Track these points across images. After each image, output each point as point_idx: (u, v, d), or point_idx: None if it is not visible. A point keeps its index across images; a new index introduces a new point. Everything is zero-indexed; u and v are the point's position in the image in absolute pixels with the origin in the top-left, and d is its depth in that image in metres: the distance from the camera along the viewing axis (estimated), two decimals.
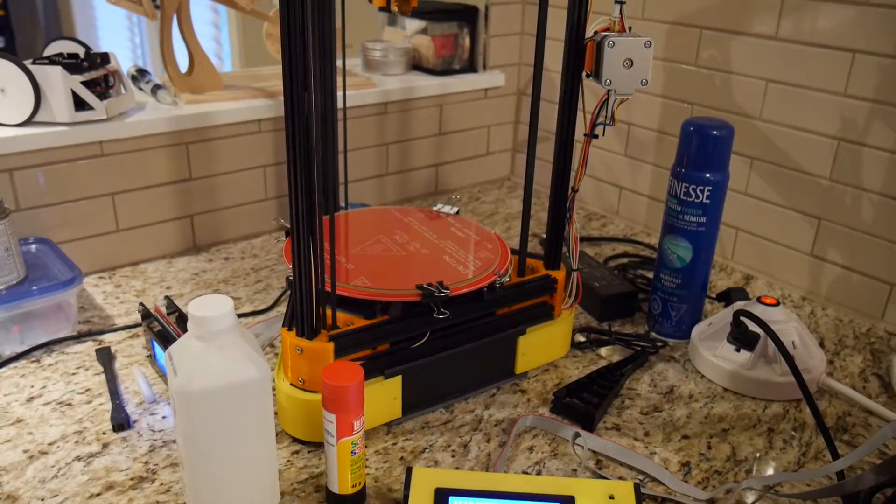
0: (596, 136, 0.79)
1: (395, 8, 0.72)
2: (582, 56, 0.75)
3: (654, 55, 1.12)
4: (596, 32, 0.75)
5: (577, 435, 0.70)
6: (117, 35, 2.33)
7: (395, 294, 0.72)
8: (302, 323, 0.68)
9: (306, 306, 0.67)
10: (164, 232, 1.06)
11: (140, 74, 1.12)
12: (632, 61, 0.72)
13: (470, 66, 1.32)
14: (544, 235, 1.14)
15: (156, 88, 1.06)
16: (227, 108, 1.05)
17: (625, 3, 0.75)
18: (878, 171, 0.92)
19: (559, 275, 0.82)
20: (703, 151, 0.83)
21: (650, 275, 1.04)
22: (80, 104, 0.94)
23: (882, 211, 0.93)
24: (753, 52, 1.01)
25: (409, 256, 0.80)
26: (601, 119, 0.77)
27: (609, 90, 0.73)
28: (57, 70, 0.91)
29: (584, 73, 0.76)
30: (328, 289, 0.69)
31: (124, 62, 1.02)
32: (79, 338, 0.86)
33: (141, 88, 1.10)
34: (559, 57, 0.74)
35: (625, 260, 1.10)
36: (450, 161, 1.34)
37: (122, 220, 1.02)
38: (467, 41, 1.31)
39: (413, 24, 1.32)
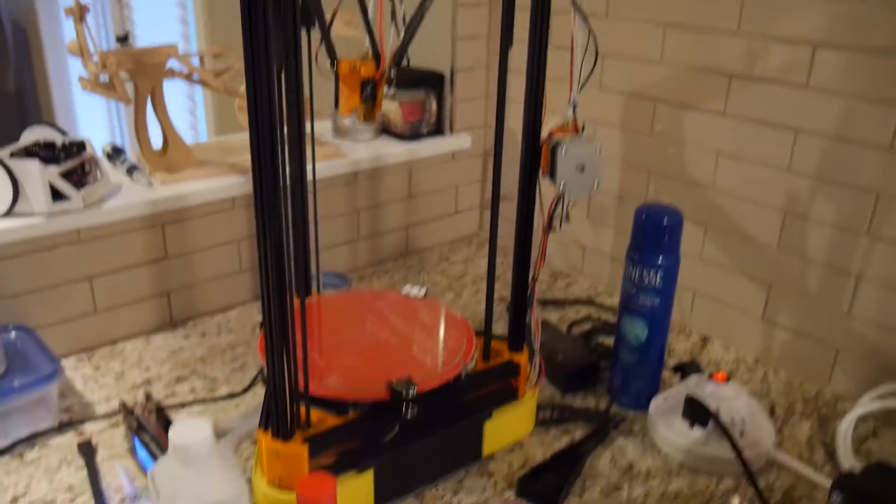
0: (553, 230, 0.83)
1: (359, 117, 0.77)
2: (538, 157, 0.80)
3: (612, 122, 1.18)
4: (551, 135, 0.80)
5: None
6: (95, 106, 2.35)
7: (365, 394, 0.75)
8: (277, 424, 0.71)
9: (280, 412, 0.70)
10: (141, 310, 1.09)
11: (115, 153, 1.15)
12: (584, 167, 0.76)
13: (437, 130, 1.36)
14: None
15: (131, 170, 1.09)
16: (201, 189, 1.09)
17: (577, 105, 0.80)
18: (821, 243, 0.98)
19: (522, 358, 0.87)
20: (654, 238, 0.88)
21: (612, 341, 1.09)
22: (57, 194, 0.97)
23: (826, 280, 0.98)
24: (704, 126, 1.07)
25: (380, 348, 0.84)
26: (557, 214, 0.82)
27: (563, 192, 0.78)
28: (35, 164, 0.94)
29: (540, 173, 0.81)
30: (302, 387, 0.72)
31: (101, 136, 1.05)
32: (60, 429, 0.88)
33: (116, 167, 1.13)
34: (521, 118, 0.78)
35: (588, 325, 1.15)
36: (420, 222, 1.38)
37: (100, 301, 1.05)
38: (434, 106, 1.35)
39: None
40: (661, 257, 0.88)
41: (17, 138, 1.02)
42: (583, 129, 0.81)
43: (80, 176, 1.01)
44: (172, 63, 1.08)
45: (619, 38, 1.14)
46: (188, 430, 0.59)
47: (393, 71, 0.72)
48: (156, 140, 1.12)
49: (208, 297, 1.15)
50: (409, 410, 0.74)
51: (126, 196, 1.05)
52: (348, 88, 0.73)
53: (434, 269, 1.33)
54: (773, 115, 0.99)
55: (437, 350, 0.84)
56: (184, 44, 2.19)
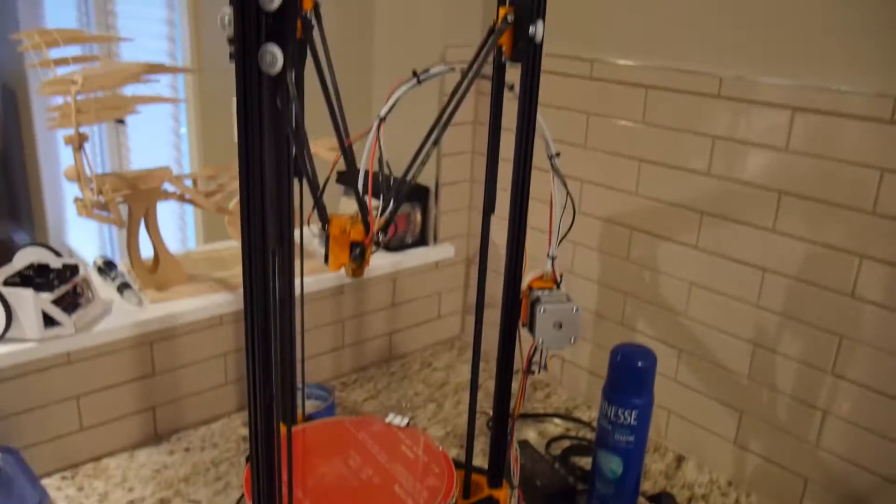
0: (532, 373, 0.87)
1: (349, 273, 0.80)
2: (519, 307, 0.84)
3: (591, 245, 1.23)
4: (531, 288, 0.84)
5: None
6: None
7: None
8: None
9: None
10: (127, 425, 1.10)
11: (107, 267, 1.18)
12: (561, 324, 0.80)
13: (421, 240, 1.41)
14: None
15: (122, 287, 1.12)
16: (190, 308, 1.11)
17: (556, 258, 0.84)
18: (789, 376, 1.02)
19: (501, 494, 0.89)
20: (629, 378, 0.91)
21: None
22: (49, 320, 0.99)
23: (795, 411, 1.02)
24: (678, 257, 1.11)
25: (362, 487, 0.86)
26: (535, 360, 0.85)
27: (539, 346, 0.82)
28: (28, 293, 0.96)
29: (520, 324, 0.84)
30: None
31: (92, 247, 1.07)
32: None
33: (108, 281, 1.15)
34: (503, 231, 0.82)
35: (567, 443, 1.17)
36: (403, 328, 1.41)
37: (86, 418, 1.06)
38: (419, 217, 1.40)
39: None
40: (636, 398, 0.91)
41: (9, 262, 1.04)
42: (561, 279, 0.85)
43: (72, 299, 1.03)
44: (165, 184, 1.12)
45: (596, 168, 1.19)
46: None
47: (381, 235, 0.75)
48: (146, 249, 1.16)
49: (194, 410, 1.17)
50: None
51: (116, 317, 1.07)
52: (338, 247, 0.77)
53: (416, 376, 1.36)
54: (742, 252, 1.04)
55: (419, 489, 0.86)
56: (177, 167, 2.27)
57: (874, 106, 0.88)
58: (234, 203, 1.21)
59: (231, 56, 0.58)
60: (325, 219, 0.77)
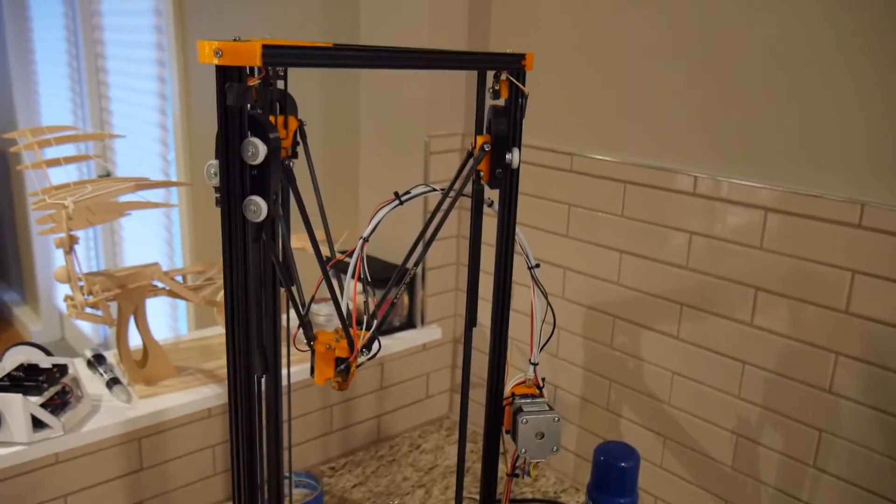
0: (517, 475, 0.88)
1: (334, 386, 0.82)
2: (502, 416, 0.85)
3: (575, 331, 1.25)
4: (514, 395, 0.85)
5: None
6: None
7: None
8: None
9: None
10: None
11: (97, 361, 1.19)
12: (543, 434, 0.82)
13: (409, 323, 1.42)
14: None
15: (112, 383, 1.13)
16: (178, 403, 1.12)
17: (538, 364, 0.86)
18: (771, 468, 1.03)
19: None
20: (613, 479, 0.93)
21: None
22: (38, 422, 1.00)
23: None
24: (660, 346, 1.13)
25: None
26: (520, 465, 0.86)
27: (522, 455, 0.83)
28: (17, 398, 0.97)
29: (503, 431, 0.86)
30: None
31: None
32: None
33: (97, 375, 1.16)
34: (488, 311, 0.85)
35: None
36: (391, 410, 1.42)
37: None
38: (406, 300, 1.41)
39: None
40: (620, 498, 0.92)
41: None
42: (543, 384, 0.87)
43: (60, 400, 1.04)
44: (155, 281, 1.14)
45: (579, 257, 1.22)
46: None
47: (364, 352, 0.77)
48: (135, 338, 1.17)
49: (182, 501, 1.17)
50: None
51: (105, 416, 1.08)
52: (323, 363, 0.79)
53: (404, 459, 1.36)
54: (721, 345, 1.06)
55: None
56: (168, 262, 2.30)
57: (843, 211, 0.91)
58: (221, 295, 1.23)
59: (217, 202, 0.61)
60: (310, 336, 0.78)
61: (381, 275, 1.40)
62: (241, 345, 0.63)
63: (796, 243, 0.96)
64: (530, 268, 0.85)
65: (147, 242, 2.60)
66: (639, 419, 1.18)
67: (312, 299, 0.79)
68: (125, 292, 1.10)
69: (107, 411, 1.09)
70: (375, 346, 0.78)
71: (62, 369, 1.05)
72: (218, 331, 1.35)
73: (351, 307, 0.76)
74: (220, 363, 1.23)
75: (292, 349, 0.82)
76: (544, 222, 1.26)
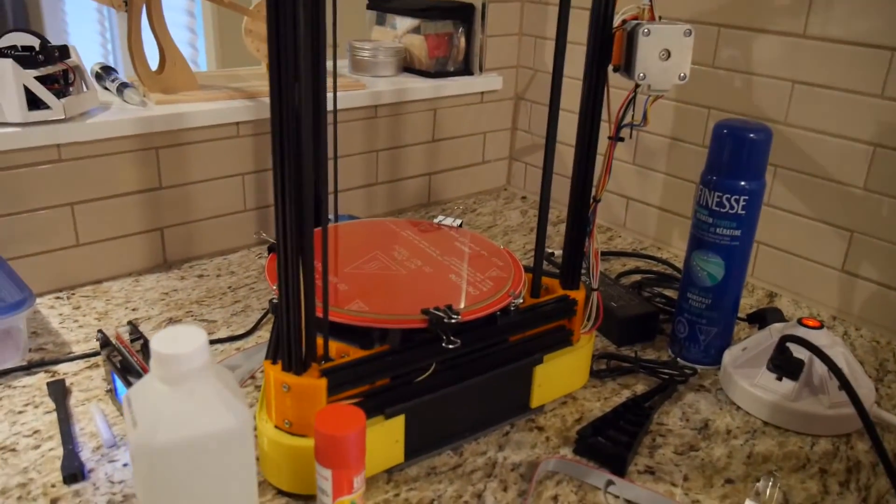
0: (622, 139, 0.70)
1: None
2: (609, 47, 0.66)
3: None
4: (625, 21, 0.66)
5: (609, 482, 0.61)
6: (88, 32, 2.21)
7: (397, 320, 0.62)
8: (289, 355, 0.58)
9: (294, 335, 0.57)
10: (131, 246, 0.95)
11: (105, 72, 1.01)
12: (669, 52, 0.63)
13: (465, 69, 1.23)
14: (551, 251, 1.06)
15: (122, 87, 0.96)
16: (201, 110, 0.95)
17: None
18: None
19: (578, 295, 0.73)
20: (738, 157, 0.74)
21: (668, 293, 0.95)
22: (34, 102, 0.84)
23: None
24: (778, 51, 0.93)
25: (411, 275, 0.71)
26: (628, 120, 0.68)
27: (641, 85, 0.65)
28: (7, 63, 0.80)
29: (610, 68, 0.67)
30: (319, 314, 0.59)
31: (93, 60, 0.91)
32: (29, 368, 0.75)
33: (106, 88, 1.00)
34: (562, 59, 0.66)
35: (638, 277, 1.01)
36: (443, 170, 1.24)
37: (83, 233, 0.91)
38: (462, 42, 1.22)
39: (404, 23, 1.23)
40: (745, 181, 0.74)
41: None
42: (659, 19, 0.68)
43: (61, 86, 0.87)
44: None
45: None
46: (177, 337, 0.45)
47: None
48: (152, 60, 0.99)
49: (208, 237, 1.01)
50: (450, 341, 0.60)
51: (115, 113, 0.91)
52: None
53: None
54: (865, 33, 0.85)
55: (479, 279, 0.70)
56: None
57: None
58: (255, 4, 1.03)
59: None
60: None
61: (444, 14, 1.20)
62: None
63: None
64: None
65: None
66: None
67: None
68: None
69: (118, 110, 0.92)
70: None
71: (62, 51, 0.88)
72: (245, 68, 1.17)
73: None
74: (250, 83, 1.05)
75: None
76: None
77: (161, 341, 0.45)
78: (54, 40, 0.88)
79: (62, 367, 0.76)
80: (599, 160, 0.69)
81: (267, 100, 1.00)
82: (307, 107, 0.52)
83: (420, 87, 1.15)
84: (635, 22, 0.65)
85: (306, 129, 0.52)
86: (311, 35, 0.62)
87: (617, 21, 0.67)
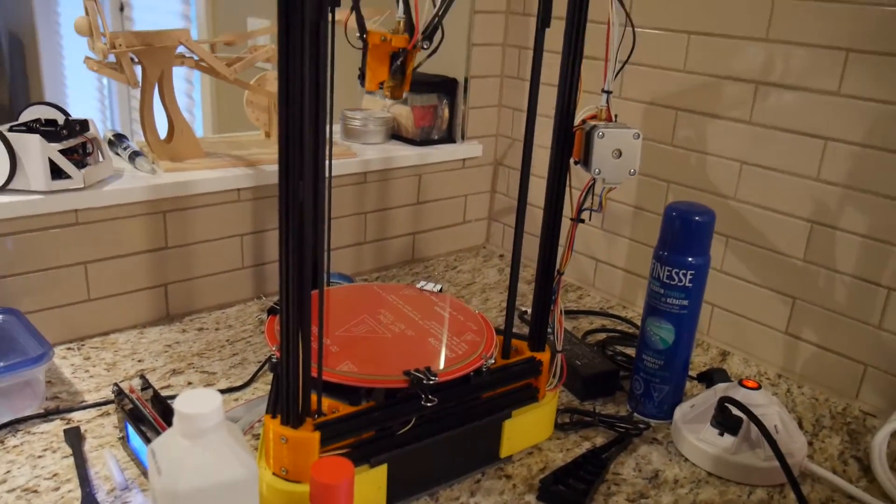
0: (582, 221, 0.80)
1: (387, 94, 0.73)
2: (571, 143, 0.76)
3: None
4: (584, 121, 0.77)
5: None
6: (87, 98, 2.30)
7: (382, 380, 0.70)
8: (287, 411, 0.66)
9: (293, 393, 0.65)
10: (137, 301, 1.03)
11: (118, 140, 1.10)
12: (620, 152, 0.73)
13: (448, 137, 1.33)
14: (524, 309, 1.15)
15: (134, 155, 1.05)
16: (206, 178, 1.04)
17: (612, 93, 0.77)
18: (850, 254, 0.94)
19: (544, 356, 0.82)
20: (685, 236, 0.84)
21: (630, 351, 1.04)
22: (56, 172, 0.92)
23: (855, 293, 0.95)
24: (728, 135, 1.04)
25: (395, 338, 0.79)
26: (587, 205, 0.78)
27: (597, 178, 0.74)
28: (35, 138, 0.89)
29: (572, 161, 0.77)
30: (314, 374, 0.67)
31: (88, 116, 1.00)
32: (46, 416, 0.82)
33: (118, 154, 1.09)
34: (537, 130, 0.76)
35: (603, 335, 1.10)
36: (427, 230, 1.34)
37: (94, 288, 0.99)
38: (446, 112, 1.32)
39: None
40: (691, 258, 0.84)
41: (16, 121, 0.97)
42: (615, 118, 0.78)
43: (81, 156, 0.96)
44: (182, 49, 1.05)
45: (640, 47, 1.12)
46: (196, 399, 0.54)
47: (425, 43, 0.68)
48: (160, 127, 1.08)
49: (208, 292, 1.10)
50: (428, 399, 0.69)
51: (128, 181, 1.00)
52: (376, 62, 0.70)
53: (441, 277, 1.29)
54: (802, 123, 0.96)
55: (455, 343, 0.79)
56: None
57: None
58: (255, 79, 1.13)
59: None
60: (363, 26, 0.69)
61: (430, 87, 1.31)
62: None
63: None
64: None
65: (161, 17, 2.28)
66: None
67: None
68: (150, 51, 1.01)
69: (130, 177, 1.01)
70: (438, 36, 0.69)
71: (83, 125, 0.97)
72: (244, 133, 1.26)
73: None
74: (250, 150, 1.15)
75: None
76: None
77: (184, 403, 0.53)
78: (50, 96, 0.97)
79: (76, 415, 0.83)
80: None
81: (266, 167, 1.09)
82: (308, 202, 0.61)
83: (406, 155, 1.25)
84: (592, 123, 0.75)
85: (307, 224, 0.61)
86: (313, 134, 0.71)
87: (577, 120, 0.77)
